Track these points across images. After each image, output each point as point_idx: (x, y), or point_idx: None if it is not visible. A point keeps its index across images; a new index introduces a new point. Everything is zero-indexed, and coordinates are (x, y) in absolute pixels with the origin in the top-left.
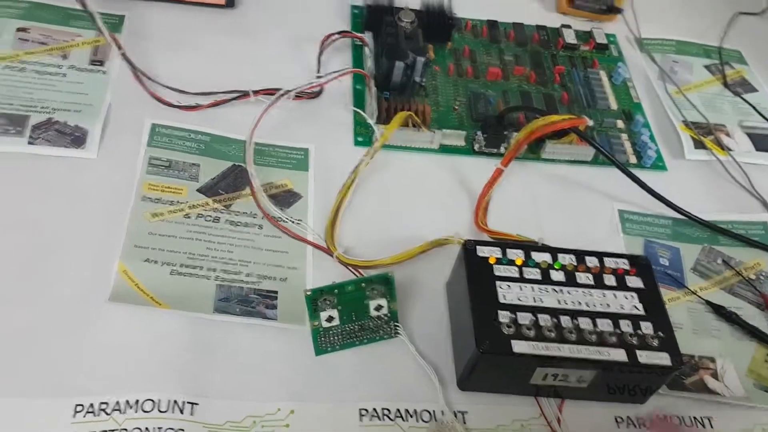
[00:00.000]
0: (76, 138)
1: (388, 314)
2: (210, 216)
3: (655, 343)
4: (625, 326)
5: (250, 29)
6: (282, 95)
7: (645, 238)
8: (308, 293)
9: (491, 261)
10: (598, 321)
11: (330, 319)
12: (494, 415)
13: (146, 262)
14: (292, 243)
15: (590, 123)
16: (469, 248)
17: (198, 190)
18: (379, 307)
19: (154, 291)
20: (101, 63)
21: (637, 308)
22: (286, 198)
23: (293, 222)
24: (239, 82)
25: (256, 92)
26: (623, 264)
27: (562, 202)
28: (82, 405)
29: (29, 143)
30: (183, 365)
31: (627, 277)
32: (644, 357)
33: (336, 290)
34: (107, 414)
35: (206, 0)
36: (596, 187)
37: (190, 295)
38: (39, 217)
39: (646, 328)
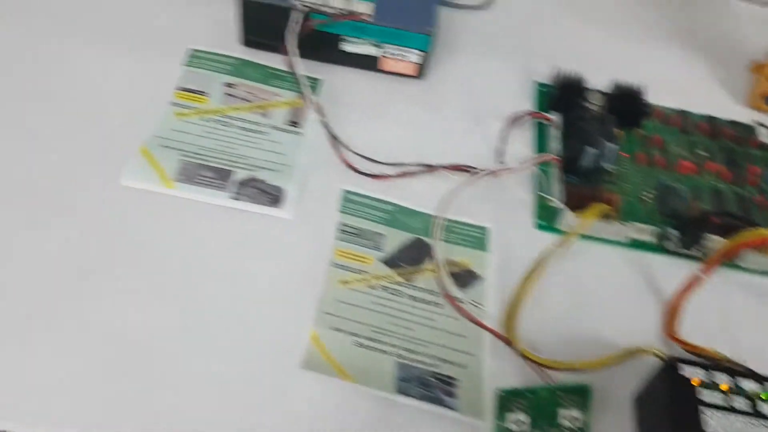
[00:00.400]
0: (274, 197)
1: (581, 427)
2: (393, 289)
3: None
4: None
5: (436, 101)
6: (478, 176)
7: None
8: (501, 393)
9: (695, 383)
10: None
11: (519, 423)
12: None
13: (334, 330)
14: (470, 327)
15: None
16: (670, 365)
17: (382, 261)
18: (571, 418)
19: (341, 361)
20: (297, 124)
21: None
22: (465, 278)
23: (473, 305)
24: (423, 154)
25: (443, 167)
26: None
27: (763, 319)
28: None
29: (232, 198)
30: None
31: None
32: None
33: (530, 394)
34: None
35: (399, 71)
36: None
37: (372, 370)
38: (239, 270)
39: None
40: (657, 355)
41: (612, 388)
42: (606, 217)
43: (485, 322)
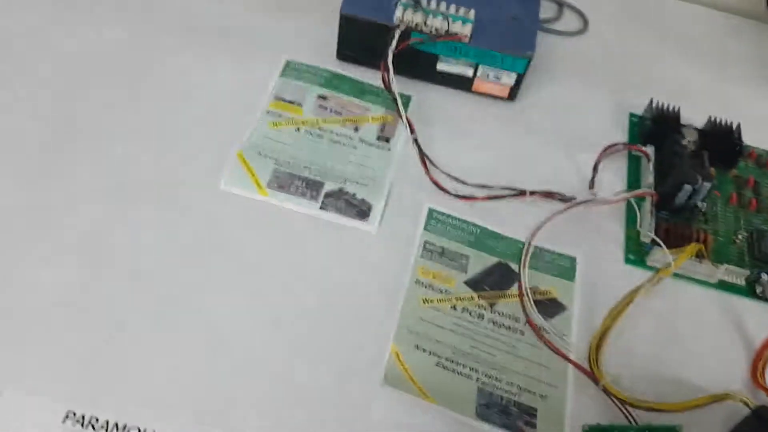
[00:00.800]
0: (361, 211)
1: None
2: (475, 312)
3: None
4: None
5: (527, 125)
6: (573, 205)
7: None
8: (586, 429)
9: None
10: None
11: None
12: None
13: (416, 348)
14: (553, 358)
15: None
16: (763, 416)
17: (465, 282)
18: None
19: (422, 381)
20: (387, 140)
21: None
22: (549, 307)
23: (556, 335)
24: (510, 177)
25: (532, 193)
26: None
27: None
28: None
29: (321, 208)
30: None
31: None
32: None
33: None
34: None
35: (492, 92)
36: None
37: (453, 392)
38: (323, 279)
39: None
40: (745, 403)
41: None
42: (698, 256)
43: (569, 355)
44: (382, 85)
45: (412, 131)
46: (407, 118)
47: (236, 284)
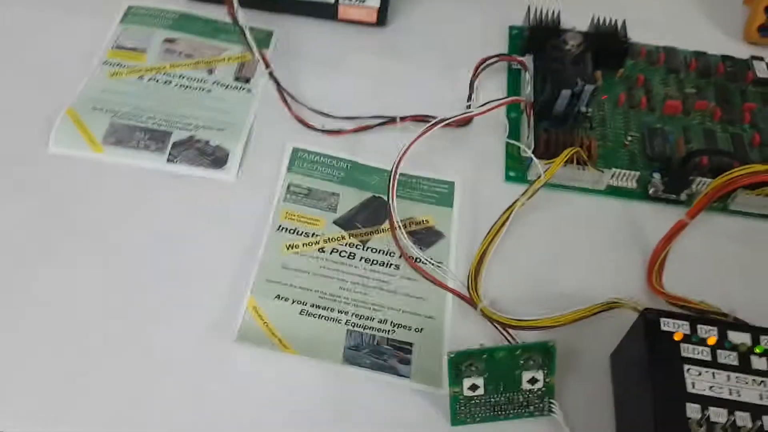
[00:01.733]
0: (217, 159)
1: (543, 389)
2: (345, 251)
3: None
4: None
5: (400, 50)
6: (434, 125)
7: None
8: (451, 356)
9: (677, 338)
10: None
11: (474, 387)
12: None
13: (277, 299)
14: (431, 289)
15: None
16: (650, 319)
17: (335, 222)
18: (533, 380)
19: (283, 332)
20: (246, 80)
21: None
22: (426, 237)
23: (433, 264)
24: (386, 107)
25: (403, 119)
26: None
27: (758, 266)
28: None
29: (169, 161)
30: (306, 422)
31: None
32: None
33: (485, 355)
34: None
35: (356, 18)
36: None
37: (319, 339)
38: (173, 237)
39: None
40: (635, 309)
41: (588, 348)
42: (579, 163)
43: (447, 283)
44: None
45: (266, 66)
46: (260, 53)
47: (73, 254)
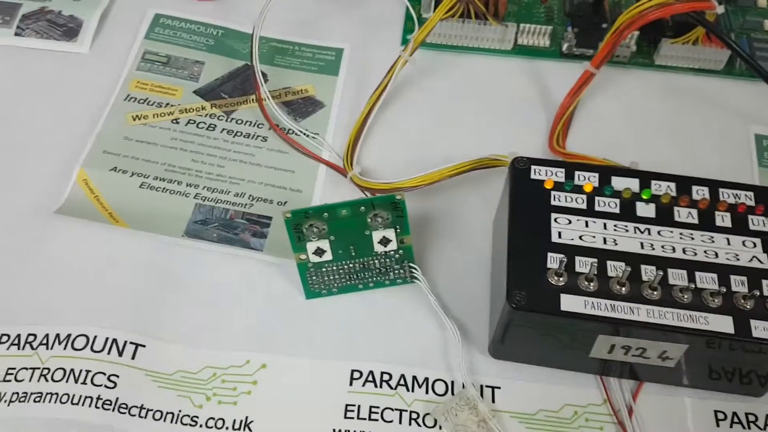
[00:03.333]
0: (69, 30)
1: (400, 251)
2: (204, 123)
3: None
4: (738, 284)
5: None
6: None
7: None
8: (288, 216)
9: (548, 185)
10: (698, 275)
11: (319, 252)
12: (536, 395)
13: (113, 171)
14: (302, 160)
15: (719, 9)
16: (518, 167)
17: (195, 92)
18: (385, 241)
19: (116, 206)
20: None
21: (758, 260)
22: (303, 106)
23: (306, 135)
24: None
25: None
26: (746, 198)
27: (678, 122)
28: (7, 335)
29: (16, 35)
30: (132, 297)
31: (750, 216)
32: (761, 329)
33: (326, 213)
34: (33, 348)
35: None
36: (727, 103)
37: (160, 214)
38: (10, 115)
39: None
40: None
41: (472, 214)
42: (482, 17)
43: (322, 155)
44: None
45: None
46: None
47: None
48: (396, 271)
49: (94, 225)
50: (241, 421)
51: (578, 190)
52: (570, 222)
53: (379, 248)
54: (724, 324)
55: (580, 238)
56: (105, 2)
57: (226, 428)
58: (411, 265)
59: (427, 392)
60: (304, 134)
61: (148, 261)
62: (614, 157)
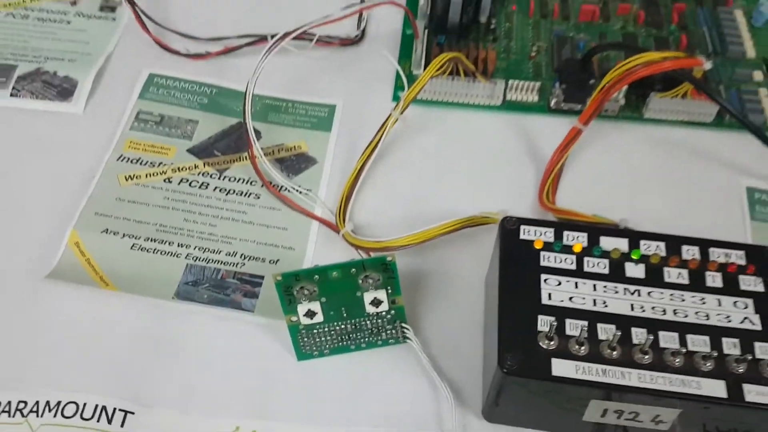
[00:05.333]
0: (64, 90)
1: (392, 312)
2: (197, 181)
3: None
4: (730, 347)
5: None
6: (284, 37)
7: None
8: (278, 279)
9: (537, 246)
10: (689, 338)
11: (310, 314)
12: None
13: (104, 233)
14: (295, 217)
15: (707, 65)
16: (508, 227)
17: (188, 150)
18: (376, 302)
19: (107, 269)
20: (113, 9)
21: (751, 321)
22: (296, 163)
23: (300, 192)
24: (269, 29)
25: (273, 37)
26: (737, 258)
27: (668, 176)
28: None
29: (12, 95)
30: (122, 363)
31: (741, 276)
32: (754, 393)
33: (316, 276)
34: (23, 416)
35: None
36: (718, 156)
37: (151, 276)
38: (4, 176)
39: (763, 351)
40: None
41: (465, 272)
42: (471, 74)
43: (315, 211)
44: None
45: None
46: None
47: None
48: (388, 332)
49: (85, 289)
50: None
51: (568, 250)
52: (560, 283)
53: (370, 309)
54: (716, 388)
55: (570, 299)
56: (100, 63)
57: None
58: (403, 325)
59: None
60: (297, 191)
61: (138, 325)
62: (605, 212)
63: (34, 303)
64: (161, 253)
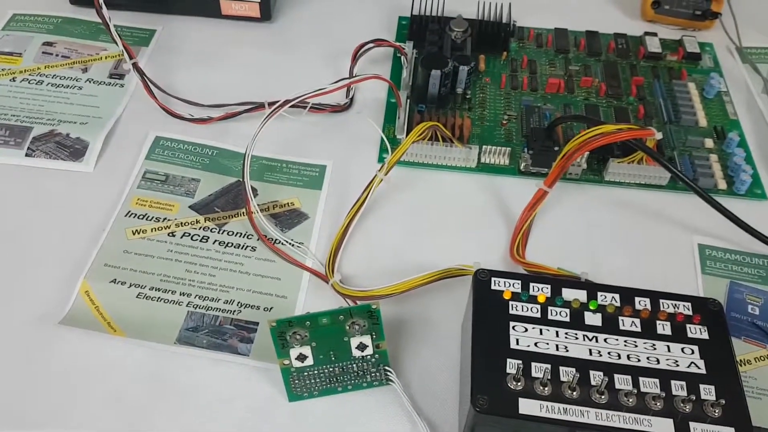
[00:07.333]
0: (76, 151)
1: (376, 356)
2: (198, 235)
3: (717, 412)
4: (678, 388)
5: (287, 43)
6: (281, 106)
7: (730, 281)
8: (273, 325)
9: (506, 296)
10: (641, 380)
11: (302, 357)
12: None
13: (113, 283)
14: (287, 269)
15: (658, 136)
16: (480, 278)
17: (191, 207)
18: (362, 347)
19: (114, 316)
20: (121, 76)
21: (696, 366)
22: (289, 218)
23: (293, 245)
24: (262, 95)
25: (271, 104)
26: (684, 308)
27: (627, 233)
28: None
29: (27, 155)
30: (126, 404)
31: (688, 325)
32: (699, 431)
33: (308, 322)
34: None
35: (239, 13)
36: (671, 215)
37: (155, 322)
38: (18, 230)
39: (707, 392)
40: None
41: (442, 319)
42: (448, 140)
43: (306, 262)
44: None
45: (131, 57)
46: (125, 45)
47: None
48: (372, 374)
49: (93, 334)
50: None
51: (533, 300)
52: (526, 330)
53: (356, 353)
54: (665, 427)
55: (536, 344)
56: (109, 126)
57: None
58: (386, 368)
59: None
60: (290, 244)
61: (142, 369)
62: (569, 265)
63: (48, 347)
64: (164, 301)
